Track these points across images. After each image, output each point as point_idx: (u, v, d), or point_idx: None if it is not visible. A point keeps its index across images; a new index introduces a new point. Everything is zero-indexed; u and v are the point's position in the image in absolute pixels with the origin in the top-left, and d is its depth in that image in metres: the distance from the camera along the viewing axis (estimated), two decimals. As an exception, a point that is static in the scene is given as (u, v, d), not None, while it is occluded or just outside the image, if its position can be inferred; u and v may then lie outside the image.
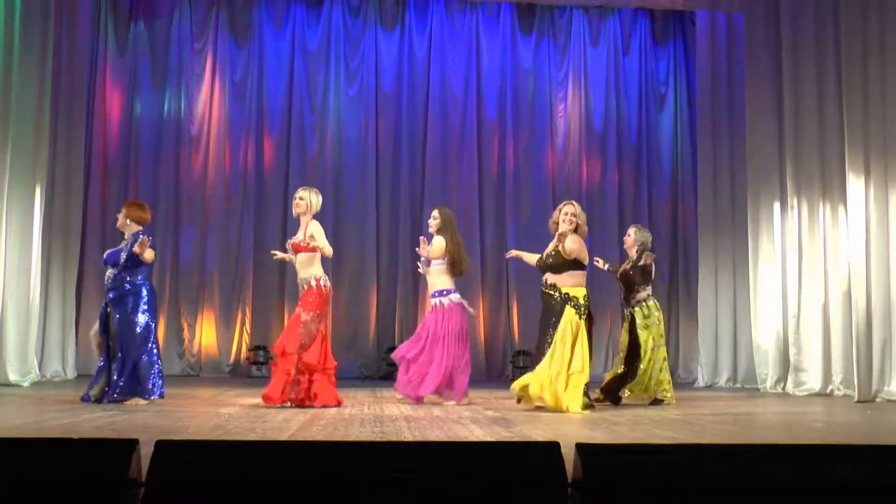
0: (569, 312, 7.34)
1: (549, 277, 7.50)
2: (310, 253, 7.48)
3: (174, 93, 13.31)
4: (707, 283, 12.10)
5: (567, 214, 7.48)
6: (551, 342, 7.30)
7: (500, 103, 13.68)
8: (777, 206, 10.91)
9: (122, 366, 7.40)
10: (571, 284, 7.43)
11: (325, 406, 7.17)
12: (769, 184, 11.02)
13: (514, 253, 8.31)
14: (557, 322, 7.33)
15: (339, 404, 7.32)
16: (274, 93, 13.43)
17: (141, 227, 7.73)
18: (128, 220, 7.70)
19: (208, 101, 13.40)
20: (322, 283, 7.47)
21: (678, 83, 14.00)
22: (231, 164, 13.31)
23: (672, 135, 13.97)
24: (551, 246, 7.58)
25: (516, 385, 7.56)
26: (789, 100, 10.61)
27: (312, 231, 7.51)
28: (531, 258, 7.89)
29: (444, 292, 8.13)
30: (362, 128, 13.42)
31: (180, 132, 13.26)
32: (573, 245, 7.38)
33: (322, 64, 13.51)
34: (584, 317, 7.38)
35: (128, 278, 7.52)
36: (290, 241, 7.71)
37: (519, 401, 7.53)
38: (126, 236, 7.76)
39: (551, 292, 7.47)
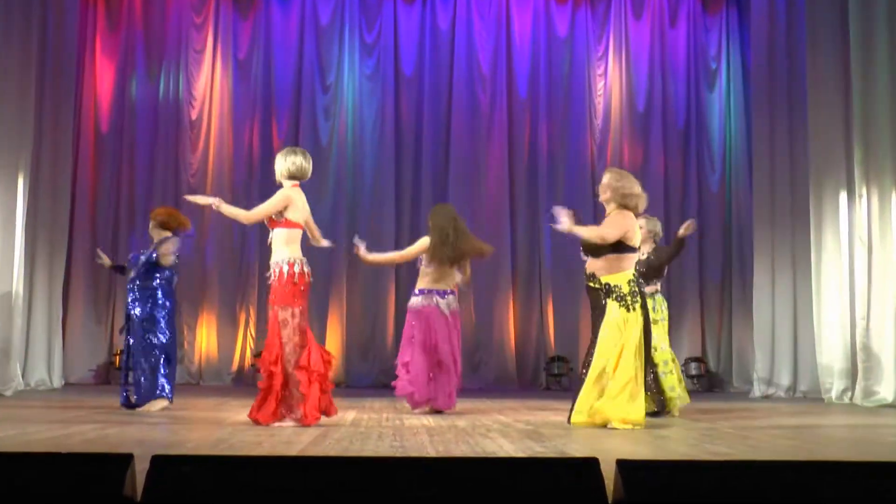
0: (611, 309, 6.70)
1: (589, 264, 6.91)
2: (285, 229, 6.74)
3: (172, 72, 13.42)
4: (763, 282, 12.02)
5: (600, 186, 7.09)
6: (593, 352, 6.76)
7: (533, 82, 13.66)
8: (843, 195, 10.81)
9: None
10: (612, 270, 6.76)
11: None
12: (834, 170, 10.91)
13: (566, 225, 7.13)
14: (598, 326, 6.76)
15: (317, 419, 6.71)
16: (282, 71, 13.49)
17: (169, 233, 8.29)
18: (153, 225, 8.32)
19: (209, 80, 13.48)
20: (296, 268, 6.67)
21: (731, 58, 13.93)
22: (235, 150, 13.38)
23: (724, 116, 13.91)
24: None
25: (577, 421, 6.76)
26: (858, 75, 10.50)
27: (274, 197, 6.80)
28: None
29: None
30: (380, 110, 13.45)
31: (179, 115, 13.36)
32: (606, 227, 6.83)
33: (335, 39, 13.56)
34: (634, 309, 6.69)
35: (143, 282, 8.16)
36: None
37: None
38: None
39: (592, 284, 6.86)
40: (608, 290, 6.76)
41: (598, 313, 6.84)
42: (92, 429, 6.12)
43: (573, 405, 6.80)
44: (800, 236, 11.60)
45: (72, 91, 12.16)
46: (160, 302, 8.15)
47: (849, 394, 10.47)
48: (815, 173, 11.10)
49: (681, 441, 5.83)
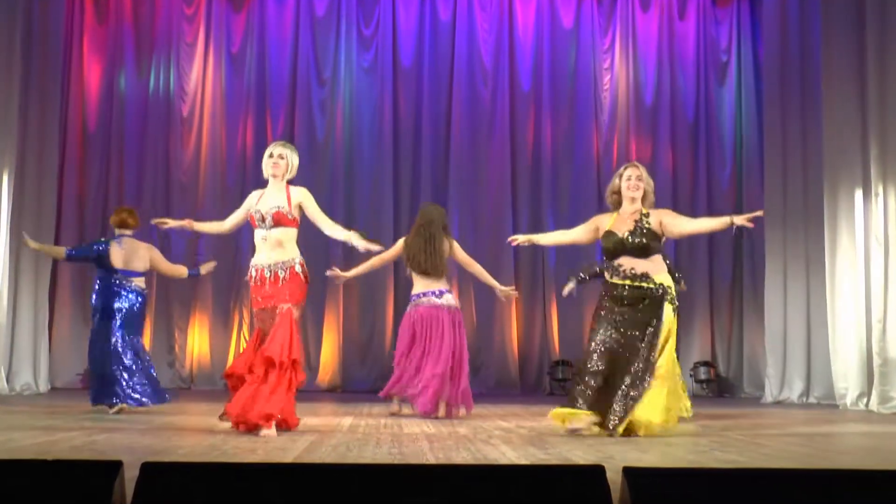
0: (668, 311, 6.63)
1: (639, 264, 6.73)
2: (290, 229, 6.71)
3: (162, 66, 13.41)
4: (775, 284, 12.02)
5: (632, 179, 6.90)
6: (655, 357, 6.56)
7: (537, 76, 13.66)
8: (859, 192, 10.79)
9: None
10: (660, 271, 6.75)
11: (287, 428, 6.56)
12: (850, 167, 10.90)
13: (522, 238, 7.39)
14: (658, 328, 6.60)
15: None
16: (277, 65, 13.50)
17: (122, 231, 8.51)
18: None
19: (201, 75, 13.48)
20: (305, 267, 6.73)
21: (742, 51, 13.94)
22: (228, 147, 13.39)
23: (735, 110, 13.91)
24: (628, 223, 6.85)
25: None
26: (875, 68, 10.48)
27: (303, 199, 6.76)
28: (553, 238, 7.31)
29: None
30: (378, 104, 13.45)
31: (170, 111, 13.36)
32: (671, 217, 6.91)
33: (332, 32, 13.57)
34: (677, 312, 6.78)
35: None
36: (267, 210, 6.69)
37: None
38: None
39: (645, 284, 6.68)
40: (664, 292, 6.69)
41: (641, 315, 6.67)
42: (79, 435, 6.11)
43: (625, 414, 6.52)
44: (813, 236, 11.59)
45: (58, 86, 12.15)
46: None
47: (864, 400, 10.46)
48: (830, 170, 11.08)
49: (689, 448, 5.83)
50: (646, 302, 6.68)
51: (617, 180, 7.04)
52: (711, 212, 13.55)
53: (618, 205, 7.03)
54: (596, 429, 6.60)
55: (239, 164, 13.34)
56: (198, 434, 6.43)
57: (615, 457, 5.15)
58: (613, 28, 13.83)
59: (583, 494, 3.19)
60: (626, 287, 6.74)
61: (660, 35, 13.82)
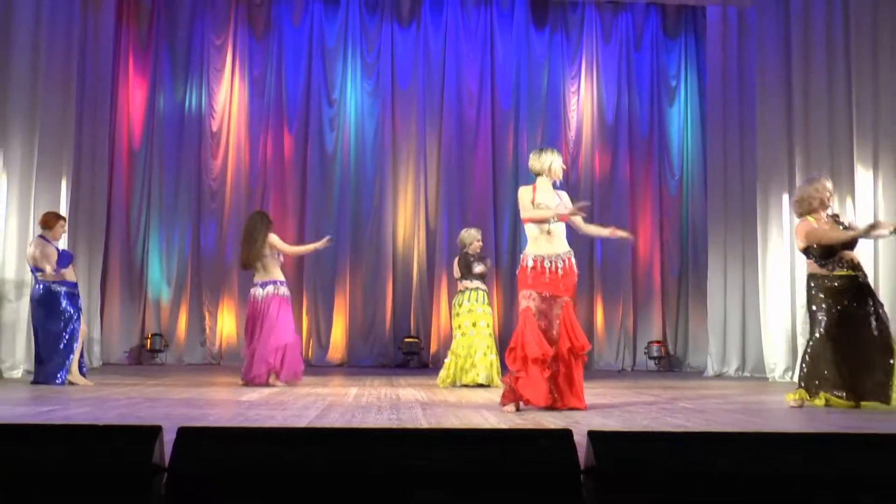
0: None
1: (854, 255, 6.71)
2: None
3: (195, 88, 13.38)
4: (716, 274, 12.05)
5: (832, 193, 6.88)
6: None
7: (515, 98, 13.66)
8: (786, 197, 10.83)
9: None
10: None
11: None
12: (779, 175, 10.95)
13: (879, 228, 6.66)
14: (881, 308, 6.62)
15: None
16: (293, 88, 13.46)
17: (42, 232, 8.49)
18: None
19: (228, 95, 13.45)
20: None
21: (688, 77, 13.94)
22: (251, 156, 13.36)
23: (682, 127, 13.92)
24: (833, 223, 6.78)
25: None
26: (799, 92, 10.53)
27: (566, 199, 6.50)
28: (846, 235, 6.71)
29: (281, 283, 8.69)
30: (379, 122, 13.44)
31: (202, 126, 13.32)
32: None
33: (339, 59, 13.53)
34: None
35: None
36: (556, 205, 6.27)
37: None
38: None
39: (861, 271, 6.69)
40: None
41: (865, 300, 6.64)
42: (125, 404, 6.11)
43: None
44: (748, 234, 11.62)
45: (108, 104, 12.17)
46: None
47: (789, 373, 10.51)
48: (762, 178, 11.13)
49: (644, 414, 5.84)
50: (864, 287, 6.66)
51: (826, 194, 6.79)
52: (662, 213, 13.64)
53: (809, 212, 6.83)
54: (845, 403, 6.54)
55: (260, 172, 13.33)
56: (226, 404, 6.43)
57: (581, 422, 5.17)
58: (580, 58, 13.83)
59: (552, 455, 3.19)
60: (851, 277, 6.64)
61: (619, 63, 13.81)
